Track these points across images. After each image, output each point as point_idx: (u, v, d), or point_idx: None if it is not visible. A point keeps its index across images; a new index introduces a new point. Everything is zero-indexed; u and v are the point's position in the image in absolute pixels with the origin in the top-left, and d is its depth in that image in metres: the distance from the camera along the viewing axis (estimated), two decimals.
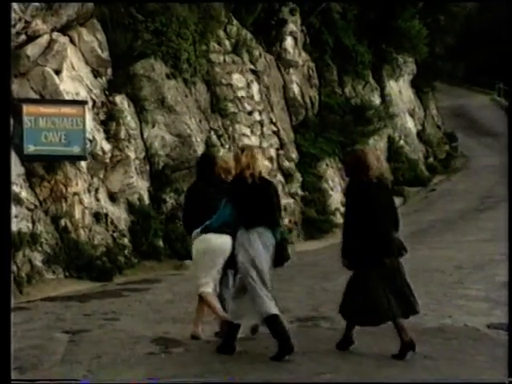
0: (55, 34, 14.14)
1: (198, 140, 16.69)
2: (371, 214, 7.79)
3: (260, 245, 7.74)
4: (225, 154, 13.93)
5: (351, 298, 7.90)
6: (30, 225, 12.93)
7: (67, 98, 14.07)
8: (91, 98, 14.67)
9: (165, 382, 6.78)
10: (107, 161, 14.80)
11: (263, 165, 8.19)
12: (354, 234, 7.83)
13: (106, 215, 14.55)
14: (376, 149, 22.39)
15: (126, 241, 14.74)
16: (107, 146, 14.79)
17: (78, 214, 13.87)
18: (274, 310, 7.63)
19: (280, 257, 7.91)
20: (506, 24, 47.34)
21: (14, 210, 12.59)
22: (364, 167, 7.94)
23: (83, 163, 14.22)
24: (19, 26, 13.44)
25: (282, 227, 8.09)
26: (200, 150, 16.49)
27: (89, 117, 14.27)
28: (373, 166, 8.02)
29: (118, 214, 14.85)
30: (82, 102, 14.19)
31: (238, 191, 7.90)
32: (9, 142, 9.21)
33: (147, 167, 15.78)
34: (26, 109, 13.30)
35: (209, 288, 8.36)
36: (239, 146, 13.35)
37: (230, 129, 18.41)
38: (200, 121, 17.22)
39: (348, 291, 7.96)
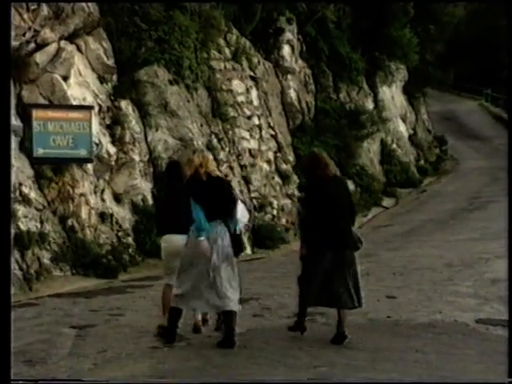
0: (63, 43, 14.13)
1: (200, 143, 16.67)
2: (332, 209, 8.03)
3: (207, 240, 7.78)
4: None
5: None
6: (39, 224, 12.92)
7: (74, 103, 14.07)
8: (97, 103, 14.66)
9: (165, 382, 6.75)
10: (112, 163, 14.80)
11: (214, 164, 8.31)
12: (315, 226, 8.05)
13: (111, 215, 14.54)
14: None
15: (130, 240, 14.73)
16: (112, 149, 14.79)
17: (84, 214, 13.86)
18: (181, 306, 7.93)
19: (236, 247, 8.02)
20: (494, 33, 47.41)
21: (23, 210, 12.61)
22: (322, 164, 8.22)
23: (89, 165, 14.22)
24: (29, 34, 13.45)
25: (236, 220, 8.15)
26: None
27: (95, 121, 14.27)
28: (330, 163, 8.40)
29: (123, 214, 14.84)
30: (89, 107, 14.19)
31: (195, 188, 7.93)
32: (9, 144, 9.24)
33: (151, 169, 15.76)
34: (36, 113, 13.30)
35: (165, 280, 8.64)
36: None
37: (230, 132, 18.40)
38: (201, 125, 17.20)
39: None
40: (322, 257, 7.99)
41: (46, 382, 6.82)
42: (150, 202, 15.40)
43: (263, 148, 19.65)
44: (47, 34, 13.75)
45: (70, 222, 13.59)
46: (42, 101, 13.68)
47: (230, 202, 8.01)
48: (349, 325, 7.98)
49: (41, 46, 13.71)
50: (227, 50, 19.31)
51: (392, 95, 31.76)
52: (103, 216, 14.35)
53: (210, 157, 8.41)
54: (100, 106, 14.73)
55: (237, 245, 8.01)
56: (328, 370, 6.93)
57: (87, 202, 13.98)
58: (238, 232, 8.09)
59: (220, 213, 7.88)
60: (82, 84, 14.44)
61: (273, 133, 20.48)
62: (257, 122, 19.68)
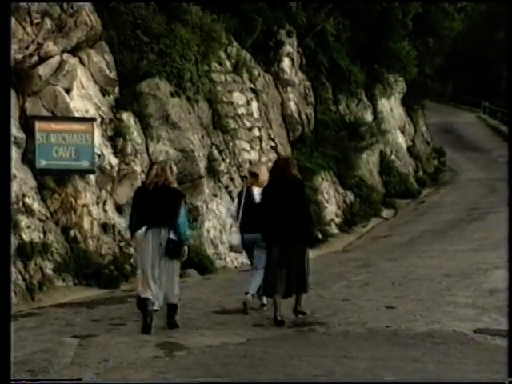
0: (66, 55, 14.17)
1: (201, 155, 16.70)
2: (280, 207, 9.02)
3: (150, 243, 8.96)
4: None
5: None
6: (42, 235, 12.93)
7: (77, 115, 14.09)
8: (99, 115, 14.69)
9: (165, 381, 6.76)
10: (114, 174, 14.81)
11: (172, 175, 9.16)
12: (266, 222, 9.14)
13: (114, 226, 14.54)
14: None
15: (131, 250, 14.71)
16: (114, 161, 14.80)
17: (86, 225, 13.86)
18: (145, 295, 9.04)
19: (170, 251, 8.99)
20: (491, 47, 47.55)
21: (26, 220, 12.63)
22: (282, 167, 9.34)
23: (92, 177, 14.23)
24: (32, 47, 13.49)
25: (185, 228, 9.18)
26: (202, 164, 16.52)
27: (97, 133, 14.28)
28: (293, 167, 9.40)
29: (125, 225, 14.83)
30: (91, 119, 14.21)
31: (138, 198, 9.22)
32: (9, 151, 9.31)
33: None
34: (39, 125, 13.32)
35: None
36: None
37: (231, 144, 18.42)
38: (202, 136, 17.22)
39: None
40: (270, 251, 9.16)
41: (45, 381, 6.84)
42: None
43: (263, 159, 19.64)
44: (50, 47, 13.79)
45: (72, 232, 13.60)
46: (44, 113, 13.71)
47: (170, 213, 8.92)
48: (347, 334, 7.98)
49: (44, 59, 13.74)
50: (228, 63, 19.35)
51: (391, 107, 31.79)
52: (105, 227, 14.35)
53: (174, 168, 9.24)
54: (102, 117, 14.76)
55: (171, 250, 8.95)
56: (327, 379, 6.93)
57: (89, 213, 13.99)
58: (174, 239, 8.95)
59: (161, 220, 8.93)
60: (84, 96, 14.48)
61: (273, 144, 20.50)
62: (257, 134, 19.70)
